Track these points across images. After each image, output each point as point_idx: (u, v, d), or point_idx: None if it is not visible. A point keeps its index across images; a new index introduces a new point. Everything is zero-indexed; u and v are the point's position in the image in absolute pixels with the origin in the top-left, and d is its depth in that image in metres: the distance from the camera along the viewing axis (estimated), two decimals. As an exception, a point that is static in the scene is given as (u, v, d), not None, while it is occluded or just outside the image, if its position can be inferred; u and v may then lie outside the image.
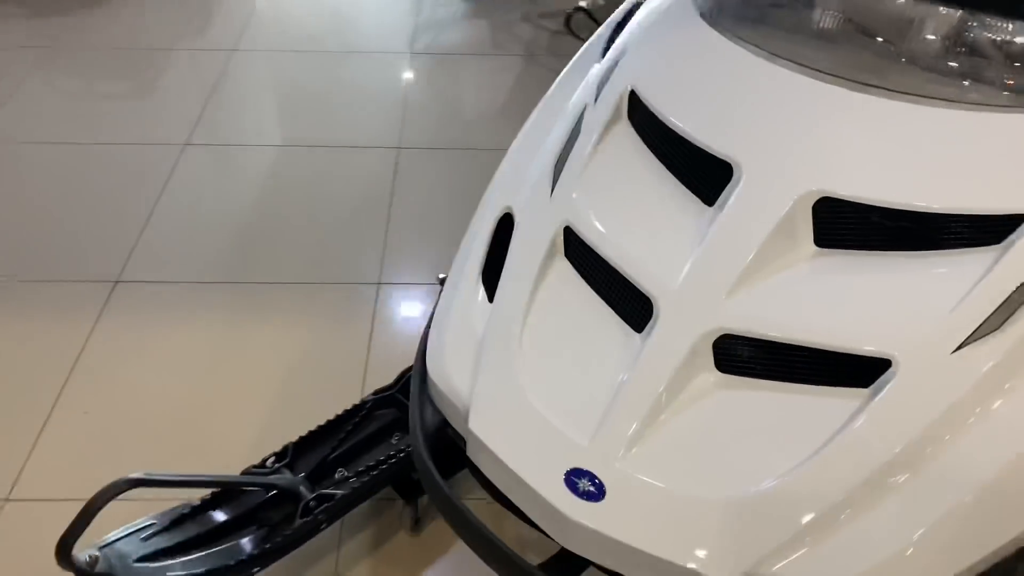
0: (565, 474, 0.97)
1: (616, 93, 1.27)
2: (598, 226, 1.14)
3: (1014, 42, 1.10)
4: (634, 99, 1.26)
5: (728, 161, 1.12)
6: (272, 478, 1.52)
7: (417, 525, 1.68)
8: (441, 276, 1.63)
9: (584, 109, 1.29)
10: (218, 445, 1.83)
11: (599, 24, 3.17)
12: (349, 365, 2.03)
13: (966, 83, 1.11)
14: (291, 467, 1.57)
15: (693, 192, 1.15)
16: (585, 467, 0.96)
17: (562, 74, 1.46)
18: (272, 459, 1.58)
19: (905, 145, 1.08)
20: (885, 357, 0.95)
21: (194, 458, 1.80)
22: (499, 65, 3.25)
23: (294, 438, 1.63)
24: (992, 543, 0.89)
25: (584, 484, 0.96)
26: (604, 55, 1.43)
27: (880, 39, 1.16)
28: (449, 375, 1.11)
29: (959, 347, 0.95)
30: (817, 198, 1.06)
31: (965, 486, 0.90)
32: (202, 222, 2.45)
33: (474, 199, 2.53)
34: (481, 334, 1.12)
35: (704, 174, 1.16)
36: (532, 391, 1.04)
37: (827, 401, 0.97)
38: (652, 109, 1.22)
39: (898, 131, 1.09)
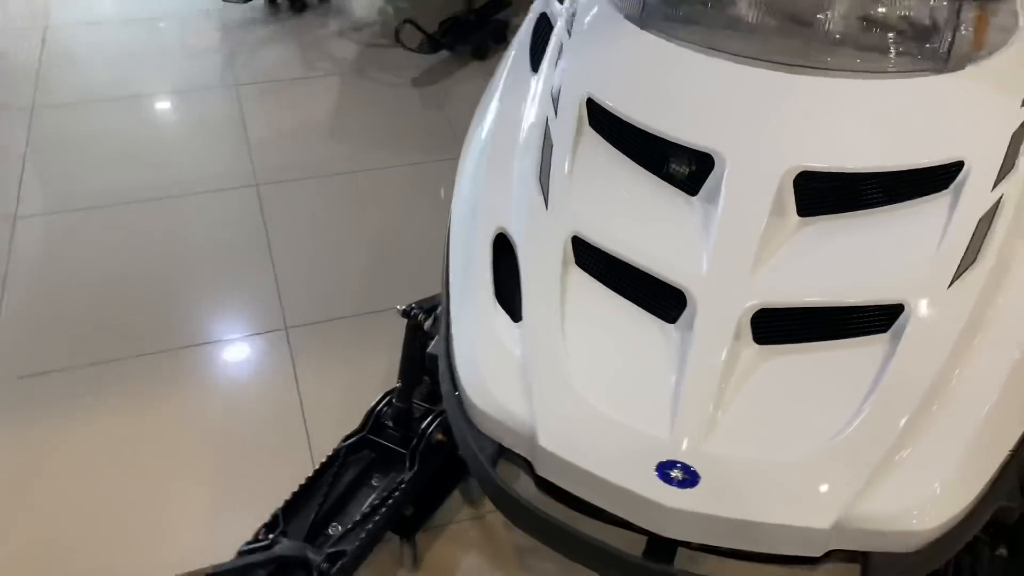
0: (656, 469, 1.02)
1: (573, 103, 1.32)
2: (608, 231, 1.19)
3: (920, 16, 1.28)
4: (592, 106, 1.32)
5: (708, 152, 1.21)
6: (276, 550, 1.44)
7: (416, 561, 1.65)
8: (400, 307, 1.61)
9: (547, 122, 1.32)
10: (179, 541, 1.69)
11: (426, 34, 3.20)
12: (285, 420, 1.93)
13: (892, 55, 1.27)
14: (286, 534, 1.49)
15: (675, 185, 1.24)
16: (674, 458, 1.02)
17: (498, 92, 1.48)
18: (263, 531, 1.50)
19: (855, 116, 1.22)
20: (898, 302, 1.09)
21: (157, 562, 1.64)
22: (330, 85, 3.18)
23: (269, 510, 1.55)
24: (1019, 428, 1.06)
25: (677, 473, 1.01)
26: (535, 68, 1.47)
27: (808, 24, 1.30)
28: (500, 401, 1.12)
29: (952, 282, 1.10)
30: (797, 173, 1.18)
31: (991, 390, 1.05)
32: (66, 299, 2.22)
33: (353, 223, 2.51)
34: (520, 355, 1.14)
35: (682, 167, 1.24)
36: (594, 398, 1.08)
37: (857, 350, 1.09)
38: (618, 114, 1.28)
39: (847, 104, 1.23)
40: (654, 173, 1.25)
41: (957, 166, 1.19)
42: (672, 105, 1.28)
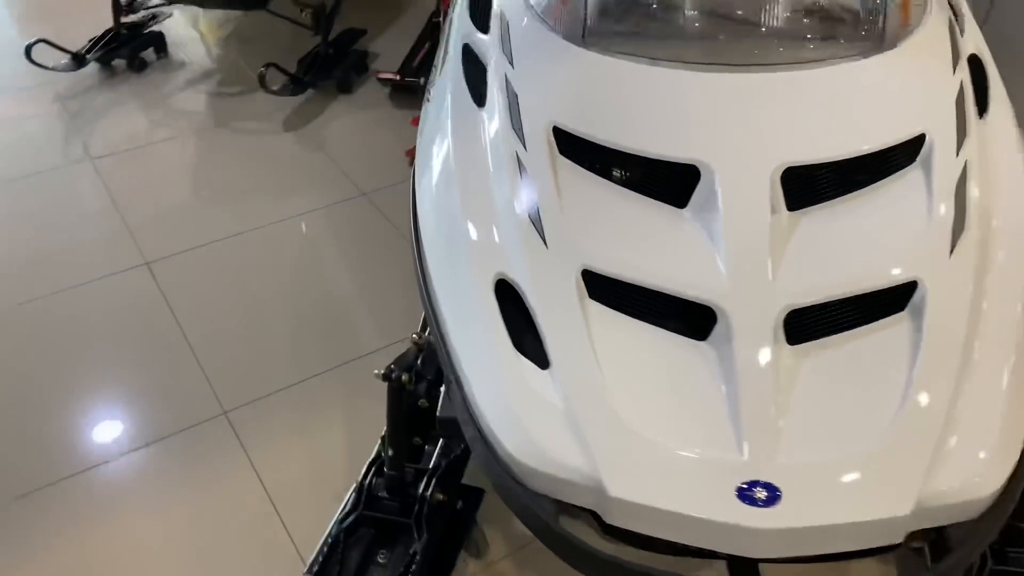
0: (736, 493, 1.00)
1: (540, 134, 1.28)
2: (617, 259, 1.16)
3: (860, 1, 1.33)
4: (559, 134, 1.28)
5: (693, 164, 1.20)
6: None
7: (439, 630, 1.57)
8: (378, 371, 1.52)
9: (518, 157, 1.28)
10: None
11: (289, 75, 3.06)
12: (255, 512, 1.79)
13: (835, 41, 1.31)
14: (309, 641, 1.38)
15: (662, 200, 1.23)
16: (753, 478, 1.00)
17: (449, 130, 1.41)
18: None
19: (819, 105, 1.26)
20: (912, 280, 1.12)
21: None
22: (197, 143, 2.98)
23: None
24: None
25: (759, 493, 0.99)
26: (479, 102, 1.42)
27: (750, 23, 1.32)
28: (553, 456, 1.06)
29: (952, 251, 1.15)
30: (783, 170, 1.19)
31: (1009, 349, 1.10)
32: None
33: (265, 285, 2.36)
34: (562, 403, 1.09)
35: (665, 182, 1.23)
36: (654, 434, 1.05)
37: (882, 333, 1.11)
38: (589, 139, 1.26)
39: (808, 95, 1.26)
40: (641, 191, 1.23)
41: (920, 139, 1.24)
42: (641, 121, 1.27)
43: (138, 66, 3.35)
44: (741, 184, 1.18)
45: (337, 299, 2.33)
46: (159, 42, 3.46)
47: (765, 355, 1.07)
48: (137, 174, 2.80)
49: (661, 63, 1.31)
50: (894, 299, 1.13)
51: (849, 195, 1.22)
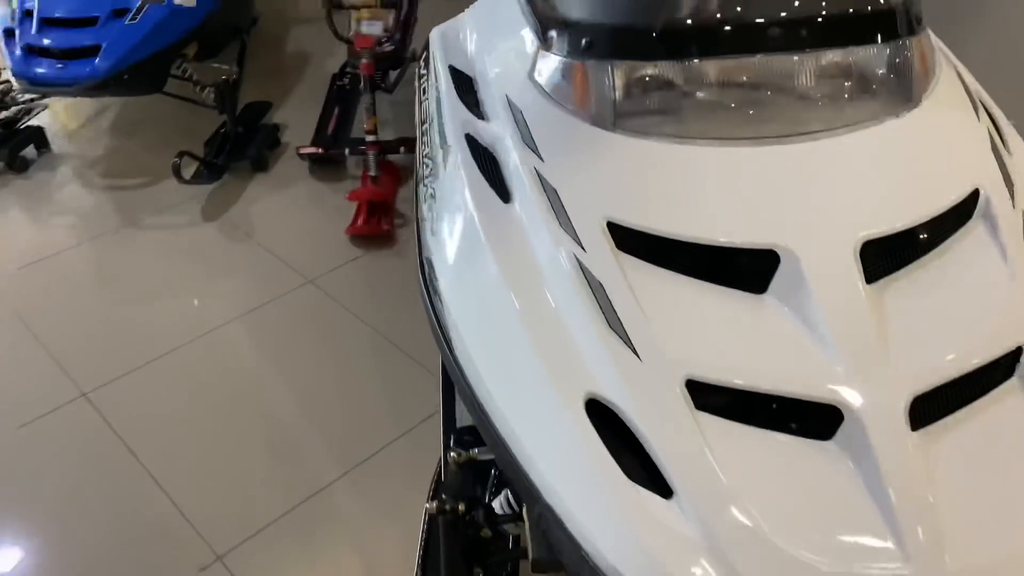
0: (914, 610, 0.93)
1: (594, 231, 1.19)
2: (720, 364, 1.07)
3: (880, 57, 1.30)
4: (616, 230, 1.19)
5: (771, 248, 1.14)
6: None
7: None
8: (430, 505, 1.38)
9: (579, 260, 1.18)
10: None
11: (202, 161, 2.84)
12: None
13: (874, 99, 1.28)
14: None
15: (740, 289, 1.15)
16: (928, 588, 0.94)
17: (480, 230, 1.28)
18: None
19: (877, 171, 1.22)
20: (1017, 345, 1.09)
21: None
22: (109, 247, 2.71)
23: None
24: None
25: (935, 605, 0.93)
26: (504, 197, 1.31)
27: (786, 91, 1.27)
28: (705, 600, 0.97)
29: None
30: (862, 243, 1.15)
31: None
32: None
33: (224, 399, 2.14)
34: (701, 536, 0.99)
35: (738, 269, 1.16)
36: (811, 557, 0.96)
37: (1001, 405, 1.08)
38: (651, 231, 1.17)
39: (863, 161, 1.22)
40: (717, 281, 1.16)
41: (975, 193, 1.23)
42: (701, 207, 1.19)
43: (20, 166, 3.04)
44: (827, 265, 1.12)
45: (307, 402, 2.14)
46: (39, 137, 3.15)
47: (904, 451, 1.01)
48: (47, 292, 2.51)
49: (702, 141, 1.24)
50: (1001, 368, 1.10)
51: (917, 261, 1.19)
